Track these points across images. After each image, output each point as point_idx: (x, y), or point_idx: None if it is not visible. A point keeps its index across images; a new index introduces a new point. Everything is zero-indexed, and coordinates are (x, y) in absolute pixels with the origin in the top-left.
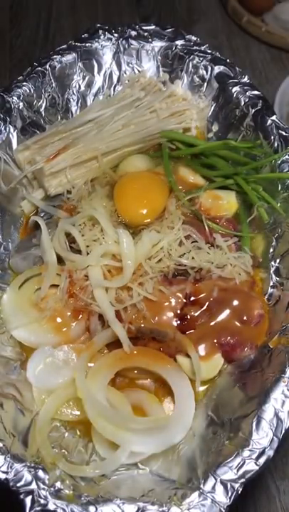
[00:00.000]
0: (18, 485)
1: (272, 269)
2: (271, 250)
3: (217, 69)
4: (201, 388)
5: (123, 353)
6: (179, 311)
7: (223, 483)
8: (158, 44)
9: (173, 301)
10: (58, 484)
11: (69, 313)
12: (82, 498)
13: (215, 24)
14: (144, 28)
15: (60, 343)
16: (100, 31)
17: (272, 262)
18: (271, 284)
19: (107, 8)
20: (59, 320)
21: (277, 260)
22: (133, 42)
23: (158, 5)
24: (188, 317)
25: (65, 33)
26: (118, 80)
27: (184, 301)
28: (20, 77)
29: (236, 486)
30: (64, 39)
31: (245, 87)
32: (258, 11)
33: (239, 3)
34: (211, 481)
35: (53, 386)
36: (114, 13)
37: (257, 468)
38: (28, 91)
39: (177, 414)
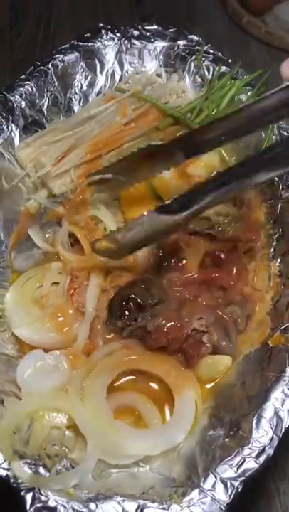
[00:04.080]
0: (19, 481)
1: (273, 269)
2: (271, 250)
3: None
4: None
5: (122, 356)
6: None
7: (223, 481)
8: (160, 44)
9: None
10: None
11: (71, 311)
12: (83, 495)
13: (215, 24)
14: (147, 28)
15: (61, 343)
16: (103, 31)
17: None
18: (271, 283)
19: (107, 8)
20: (61, 319)
21: (278, 260)
22: (135, 42)
23: (158, 5)
24: None
25: (65, 33)
26: (120, 80)
27: None
28: (23, 76)
29: (236, 484)
30: (64, 39)
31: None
32: (258, 12)
33: (239, 3)
34: (211, 479)
35: (42, 390)
36: (114, 13)
37: (257, 466)
38: (30, 90)
39: (175, 419)
